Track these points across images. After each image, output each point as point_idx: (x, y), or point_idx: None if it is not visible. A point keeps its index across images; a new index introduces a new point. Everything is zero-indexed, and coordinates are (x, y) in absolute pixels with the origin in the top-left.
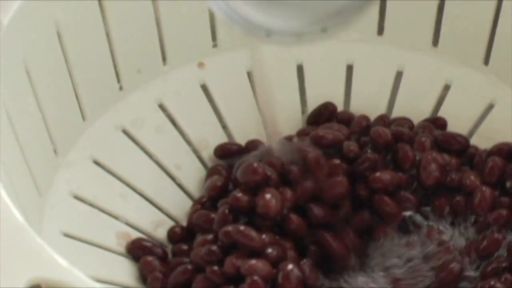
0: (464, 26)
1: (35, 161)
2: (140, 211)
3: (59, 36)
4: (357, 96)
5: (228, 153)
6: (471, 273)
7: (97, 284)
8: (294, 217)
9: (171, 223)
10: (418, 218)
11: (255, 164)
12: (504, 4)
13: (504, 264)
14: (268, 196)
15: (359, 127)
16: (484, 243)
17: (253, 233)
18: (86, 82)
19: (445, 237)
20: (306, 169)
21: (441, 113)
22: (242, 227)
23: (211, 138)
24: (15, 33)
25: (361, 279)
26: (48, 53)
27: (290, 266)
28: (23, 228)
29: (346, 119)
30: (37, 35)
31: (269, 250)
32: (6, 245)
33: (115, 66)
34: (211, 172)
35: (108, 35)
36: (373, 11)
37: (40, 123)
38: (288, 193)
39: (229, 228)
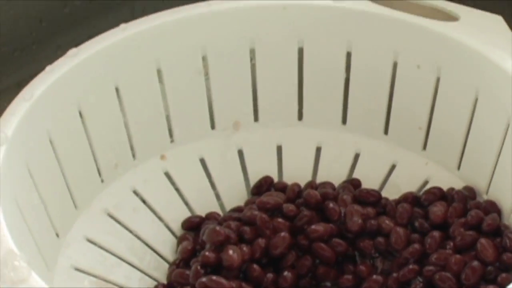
0: (366, 106)
1: (41, 242)
2: (128, 277)
3: (52, 145)
4: (287, 169)
5: (192, 224)
6: None
7: None
8: (255, 266)
9: (154, 283)
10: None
11: (217, 228)
12: (396, 84)
13: (420, 286)
14: (230, 251)
15: (293, 192)
16: (402, 272)
17: (223, 281)
18: (76, 178)
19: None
20: (257, 229)
21: (355, 175)
22: (214, 277)
23: (176, 213)
24: (17, 144)
25: None
26: (45, 159)
27: None
28: None
29: (282, 187)
30: (34, 145)
31: None
32: None
33: (96, 165)
34: (180, 239)
35: (89, 142)
36: (293, 102)
37: (43, 213)
38: (245, 248)
39: (203, 279)
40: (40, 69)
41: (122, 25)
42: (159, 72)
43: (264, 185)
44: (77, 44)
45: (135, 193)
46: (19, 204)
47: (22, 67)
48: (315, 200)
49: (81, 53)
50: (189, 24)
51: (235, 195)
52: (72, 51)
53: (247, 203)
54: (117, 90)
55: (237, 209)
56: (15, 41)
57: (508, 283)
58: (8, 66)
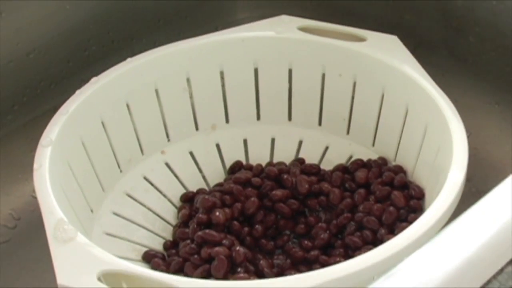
0: (304, 106)
1: (81, 216)
2: (144, 237)
3: (84, 146)
4: (252, 155)
5: (187, 197)
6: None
7: (142, 268)
8: (235, 222)
9: (162, 240)
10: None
11: (206, 197)
12: (325, 89)
13: (353, 227)
14: (217, 213)
15: (258, 170)
16: (339, 220)
17: (214, 233)
18: (102, 170)
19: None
20: (234, 196)
21: (300, 156)
22: (207, 231)
23: (175, 191)
24: (59, 145)
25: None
26: (79, 156)
27: (238, 247)
28: (93, 245)
29: (249, 167)
30: (71, 146)
31: (224, 241)
32: (83, 255)
33: (116, 160)
34: (180, 208)
35: (110, 143)
36: (253, 108)
37: (81, 195)
38: (227, 210)
39: (200, 233)
40: (71, 95)
41: (128, 59)
42: (156, 91)
43: (236, 167)
44: (95, 75)
45: (145, 179)
46: (64, 189)
47: (57, 96)
48: (274, 174)
49: (100, 80)
50: (176, 56)
51: (216, 175)
52: (94, 79)
53: (226, 180)
54: (127, 105)
55: (219, 185)
56: (51, 77)
57: (415, 220)
58: (47, 95)
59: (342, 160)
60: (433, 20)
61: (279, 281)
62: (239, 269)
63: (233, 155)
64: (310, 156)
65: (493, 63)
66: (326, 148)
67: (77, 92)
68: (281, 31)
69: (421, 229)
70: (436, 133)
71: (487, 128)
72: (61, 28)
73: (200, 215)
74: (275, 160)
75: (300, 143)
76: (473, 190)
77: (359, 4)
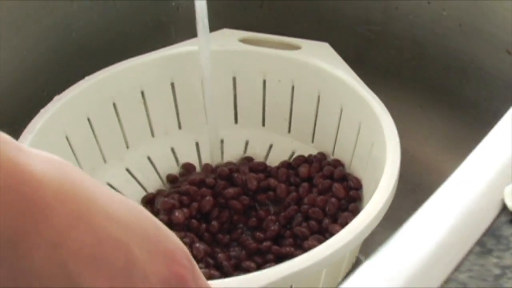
0: (249, 110)
1: None
2: None
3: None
4: (204, 156)
5: (148, 199)
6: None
7: None
8: (193, 220)
9: None
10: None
11: (166, 199)
12: (266, 94)
13: (300, 218)
14: (176, 213)
15: (210, 170)
16: (287, 212)
17: (174, 233)
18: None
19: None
20: (191, 197)
21: (248, 154)
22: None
23: (137, 193)
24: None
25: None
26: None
27: (198, 244)
28: None
29: (210, 170)
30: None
31: (185, 239)
32: None
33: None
34: None
35: (75, 156)
36: (202, 115)
37: None
38: (186, 210)
39: None
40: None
41: (86, 78)
42: (114, 105)
43: (189, 169)
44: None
45: (108, 184)
46: None
47: (20, 133)
48: (225, 174)
49: (62, 98)
50: (130, 71)
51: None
52: (56, 97)
53: (181, 181)
54: (88, 119)
55: (176, 186)
56: (13, 118)
57: (355, 209)
58: (11, 134)
59: (285, 156)
60: (358, 36)
61: (240, 279)
62: (200, 264)
63: (186, 157)
64: (257, 154)
65: (413, 71)
66: (271, 146)
67: (42, 110)
68: (223, 44)
69: (363, 222)
70: (369, 129)
71: (412, 128)
72: (20, 73)
73: (161, 216)
74: (225, 160)
75: (247, 143)
76: (407, 185)
77: (291, 15)
